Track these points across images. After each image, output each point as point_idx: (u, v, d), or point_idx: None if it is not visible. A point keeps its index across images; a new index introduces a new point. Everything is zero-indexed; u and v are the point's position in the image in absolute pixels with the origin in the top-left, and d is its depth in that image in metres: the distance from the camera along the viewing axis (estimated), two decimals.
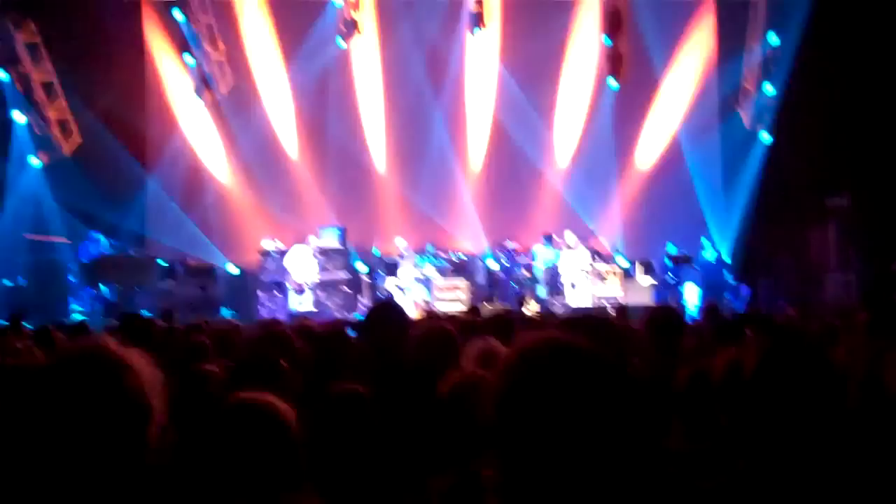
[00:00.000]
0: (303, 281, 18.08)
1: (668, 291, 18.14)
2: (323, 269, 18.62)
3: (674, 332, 5.63)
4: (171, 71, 20.58)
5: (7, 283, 17.69)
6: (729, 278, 18.51)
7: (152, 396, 2.20)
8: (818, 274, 17.94)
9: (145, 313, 17.20)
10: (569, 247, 17.89)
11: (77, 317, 16.00)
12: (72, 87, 19.49)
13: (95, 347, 2.23)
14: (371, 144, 20.83)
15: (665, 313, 5.96)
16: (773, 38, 19.25)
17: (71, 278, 18.03)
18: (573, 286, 17.75)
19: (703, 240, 18.49)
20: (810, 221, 18.26)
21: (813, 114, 18.36)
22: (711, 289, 17.98)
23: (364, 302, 18.35)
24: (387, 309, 5.74)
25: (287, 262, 18.26)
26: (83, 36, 19.22)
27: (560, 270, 17.92)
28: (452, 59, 20.51)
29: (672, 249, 18.50)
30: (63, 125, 19.59)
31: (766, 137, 19.51)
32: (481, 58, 20.48)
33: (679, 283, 18.11)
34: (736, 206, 19.50)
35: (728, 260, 19.37)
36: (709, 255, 18.51)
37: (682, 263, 18.00)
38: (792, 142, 18.73)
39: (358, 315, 16.84)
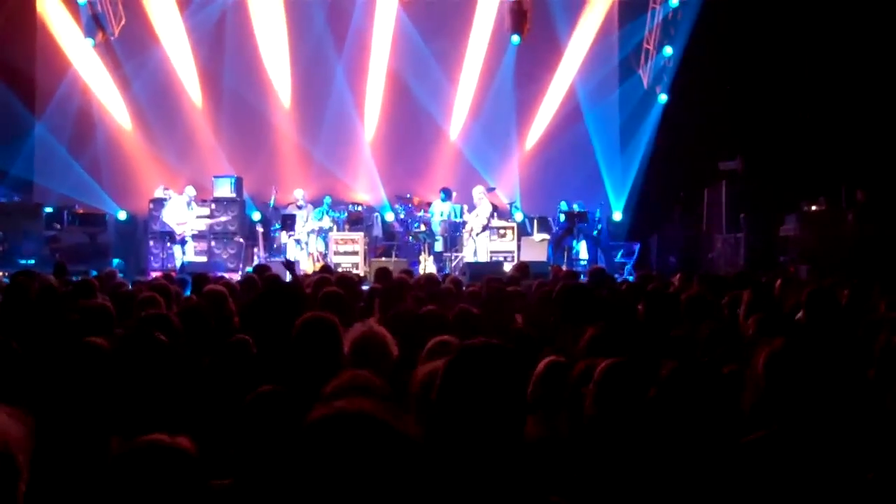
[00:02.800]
0: (181, 231, 17.73)
1: (561, 247, 18.30)
2: (214, 217, 18.33)
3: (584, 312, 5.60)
4: (61, 11, 19.85)
5: None
6: (606, 236, 18.77)
7: (19, 454, 2.13)
8: (708, 234, 18.30)
9: (29, 262, 16.86)
10: (473, 203, 17.83)
11: None
12: None
13: None
14: (270, 94, 20.46)
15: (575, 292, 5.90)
16: (674, 1, 19.38)
17: None
18: (475, 241, 17.71)
19: (576, 204, 18.65)
20: (703, 183, 18.56)
21: (710, 77, 18.67)
22: (599, 245, 18.27)
23: (260, 254, 18.12)
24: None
25: (164, 213, 17.87)
26: None
27: (468, 225, 17.85)
28: (355, 9, 20.22)
29: (565, 206, 18.65)
30: None
31: (663, 98, 19.71)
32: (384, 10, 20.21)
33: (572, 239, 18.26)
34: (632, 165, 19.76)
35: (621, 218, 19.67)
36: (598, 212, 18.71)
37: (575, 220, 18.13)
38: (688, 104, 19.01)
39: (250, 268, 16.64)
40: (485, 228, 17.69)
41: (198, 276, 9.84)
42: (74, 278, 10.90)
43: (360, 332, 4.53)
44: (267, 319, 5.52)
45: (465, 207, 18.39)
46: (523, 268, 11.65)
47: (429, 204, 18.72)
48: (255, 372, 4.76)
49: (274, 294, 6.12)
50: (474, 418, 2.68)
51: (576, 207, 18.42)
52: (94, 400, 4.05)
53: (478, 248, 17.74)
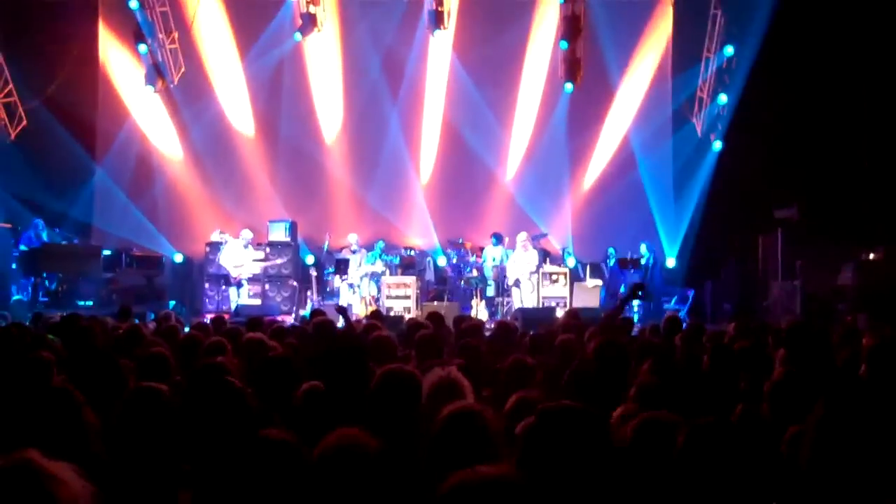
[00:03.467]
0: (237, 274, 17.93)
1: (615, 294, 18.22)
2: (269, 261, 18.52)
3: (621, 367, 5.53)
4: (122, 59, 20.37)
5: None
6: (660, 283, 18.60)
7: None
8: (763, 281, 18.10)
9: (87, 304, 17.14)
10: (523, 247, 17.82)
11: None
12: (20, 72, 19.23)
13: (22, 463, 2.16)
14: (325, 140, 20.72)
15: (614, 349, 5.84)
16: (729, 50, 19.35)
17: (13, 266, 17.74)
18: (517, 286, 17.69)
19: (643, 245, 18.53)
20: (758, 230, 18.40)
21: (765, 125, 18.58)
22: (651, 294, 18.13)
23: (314, 298, 18.25)
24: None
25: (221, 256, 18.11)
26: (34, 20, 19.06)
27: (507, 271, 17.85)
28: (410, 58, 20.46)
29: (613, 252, 18.61)
30: (9, 110, 19.29)
31: (717, 146, 19.62)
32: (439, 58, 20.44)
33: (625, 286, 18.17)
34: (685, 212, 19.63)
35: (675, 264, 19.51)
36: (649, 259, 18.56)
37: (628, 266, 18.05)
38: (743, 151, 18.88)
39: (306, 313, 16.74)
40: (532, 275, 17.70)
41: (253, 320, 9.92)
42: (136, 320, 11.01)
43: (438, 377, 4.52)
44: (328, 368, 5.55)
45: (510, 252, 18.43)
46: (574, 315, 11.56)
47: (481, 249, 18.74)
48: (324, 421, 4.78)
49: (333, 342, 6.16)
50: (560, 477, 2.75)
51: (644, 252, 18.31)
52: (161, 451, 4.07)
53: (525, 294, 17.70)
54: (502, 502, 2.23)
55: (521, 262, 17.76)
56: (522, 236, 17.97)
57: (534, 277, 17.78)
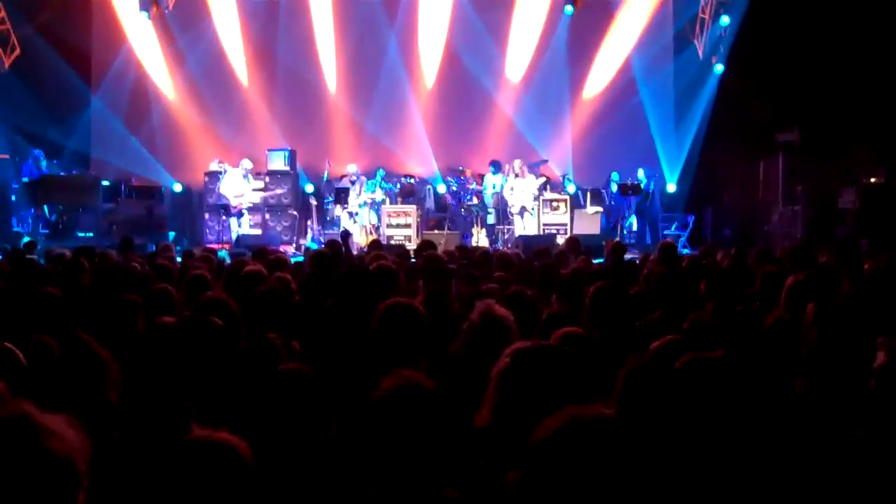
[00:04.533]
0: (237, 203, 17.89)
1: (614, 219, 18.25)
2: (269, 190, 18.47)
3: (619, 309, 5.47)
4: None
5: None
6: (659, 208, 18.60)
7: (80, 463, 2.13)
8: (765, 206, 18.07)
9: (88, 235, 17.14)
10: (517, 174, 17.74)
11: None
12: None
13: (15, 415, 2.14)
14: (323, 67, 20.50)
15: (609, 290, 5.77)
16: None
17: (12, 197, 17.71)
18: (521, 214, 17.69)
19: (641, 170, 18.48)
20: (759, 155, 18.31)
21: (767, 47, 18.33)
22: (650, 218, 18.14)
23: (314, 227, 18.24)
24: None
25: (222, 186, 18.05)
26: None
27: (507, 198, 17.80)
28: None
29: (617, 178, 18.54)
30: (2, 38, 19.04)
31: (719, 69, 19.41)
32: None
33: (626, 212, 18.20)
34: (686, 136, 19.51)
35: (675, 189, 19.46)
36: (649, 185, 18.52)
37: (629, 193, 18.02)
38: (745, 74, 18.69)
39: (312, 243, 16.76)
40: (528, 202, 17.67)
41: (258, 251, 9.91)
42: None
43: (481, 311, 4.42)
44: (334, 296, 5.57)
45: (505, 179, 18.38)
46: (574, 242, 11.57)
47: (481, 176, 18.67)
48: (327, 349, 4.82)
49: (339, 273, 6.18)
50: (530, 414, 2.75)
51: (642, 177, 18.28)
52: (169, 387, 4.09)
53: (527, 222, 17.68)
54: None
55: (519, 188, 17.69)
56: (518, 163, 17.89)
57: (536, 203, 17.74)
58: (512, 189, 17.66)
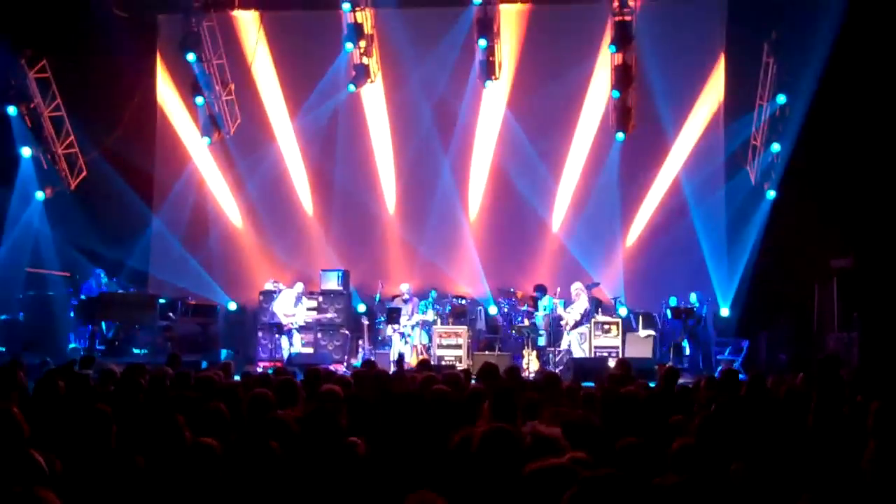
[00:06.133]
0: (287, 323, 18.09)
1: (667, 343, 18.09)
2: (322, 311, 18.64)
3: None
4: (180, 111, 20.84)
5: (5, 317, 17.72)
6: (713, 332, 18.40)
7: None
8: (819, 333, 17.81)
9: (143, 352, 17.37)
10: (571, 299, 17.79)
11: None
12: (81, 124, 19.71)
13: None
14: (378, 190, 20.91)
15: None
16: (782, 98, 19.23)
17: (72, 314, 18.07)
18: (568, 335, 17.64)
19: (694, 294, 18.39)
20: (813, 280, 18.15)
21: (819, 173, 18.35)
22: (703, 342, 17.94)
23: (366, 346, 18.32)
24: None
25: (275, 305, 18.30)
26: (95, 74, 19.58)
27: (562, 314, 17.81)
28: (462, 107, 20.60)
29: (674, 302, 18.42)
30: (70, 161, 19.75)
31: (771, 195, 19.43)
32: (490, 108, 20.58)
33: (678, 336, 18.05)
34: (739, 261, 19.41)
35: (729, 314, 19.28)
36: (702, 308, 18.39)
37: (682, 316, 17.90)
38: (797, 200, 18.68)
39: (357, 363, 16.80)
40: (578, 324, 17.62)
41: (311, 371, 9.94)
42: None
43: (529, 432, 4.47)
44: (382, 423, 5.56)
45: (562, 302, 18.37)
46: (625, 365, 11.49)
47: (532, 298, 18.68)
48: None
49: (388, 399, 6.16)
50: None
51: (694, 301, 18.20)
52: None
53: (572, 344, 17.61)
54: None
55: (574, 310, 17.76)
56: (577, 286, 17.94)
57: (581, 326, 17.69)
58: (570, 311, 17.70)
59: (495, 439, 4.28)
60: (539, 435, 4.30)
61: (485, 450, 4.26)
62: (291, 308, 18.13)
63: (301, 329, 18.34)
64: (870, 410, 5.73)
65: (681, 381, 11.55)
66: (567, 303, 18.21)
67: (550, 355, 17.78)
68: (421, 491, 3.20)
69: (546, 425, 4.65)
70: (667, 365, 12.39)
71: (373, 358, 15.18)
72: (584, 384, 9.54)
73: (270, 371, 12.91)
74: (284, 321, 18.08)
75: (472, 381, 9.93)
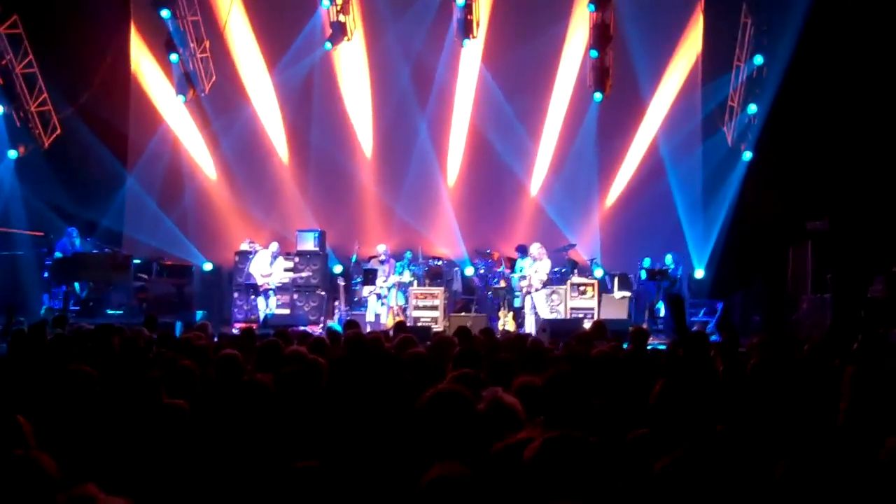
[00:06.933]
0: (263, 283, 18.02)
1: (643, 305, 18.16)
2: (298, 271, 18.57)
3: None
4: (154, 68, 20.57)
5: None
6: (687, 294, 18.45)
7: None
8: (794, 295, 17.93)
9: (117, 312, 17.29)
10: (534, 258, 17.62)
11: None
12: (54, 81, 19.44)
13: (83, 498, 2.25)
14: (354, 149, 20.81)
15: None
16: (759, 59, 19.19)
17: (45, 274, 17.94)
18: (532, 297, 17.58)
19: (669, 256, 18.44)
20: (788, 242, 18.24)
21: (795, 135, 18.41)
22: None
23: (342, 308, 18.30)
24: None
25: (251, 266, 18.21)
26: (68, 30, 19.28)
27: (519, 282, 17.73)
28: (439, 66, 20.48)
29: (647, 263, 18.48)
30: (44, 118, 19.51)
31: (747, 156, 19.47)
32: (468, 67, 20.46)
33: (654, 297, 18.13)
34: (715, 222, 19.48)
35: (703, 275, 19.38)
36: (676, 270, 18.45)
37: (656, 278, 17.97)
38: (774, 162, 18.75)
39: (335, 325, 16.76)
40: (544, 285, 17.58)
41: (280, 332, 9.94)
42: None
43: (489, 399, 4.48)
44: (358, 381, 5.57)
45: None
46: (600, 327, 11.52)
47: (509, 259, 18.68)
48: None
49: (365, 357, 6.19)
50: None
51: (669, 262, 18.23)
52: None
53: (536, 305, 17.53)
54: None
55: (530, 271, 17.59)
56: (536, 246, 17.79)
57: (546, 287, 17.63)
58: (536, 271, 17.55)
59: (441, 401, 4.29)
60: (499, 402, 4.33)
61: (430, 411, 4.28)
62: (267, 268, 18.06)
63: (277, 290, 18.28)
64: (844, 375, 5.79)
65: (656, 342, 11.65)
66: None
67: (526, 316, 17.79)
68: (448, 462, 3.22)
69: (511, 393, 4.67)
70: (638, 326, 12.45)
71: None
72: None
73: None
74: (260, 281, 18.01)
75: None
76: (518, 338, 10.18)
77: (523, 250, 18.10)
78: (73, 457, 3.94)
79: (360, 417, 5.07)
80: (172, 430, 4.77)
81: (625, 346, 10.15)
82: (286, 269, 18.41)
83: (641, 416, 4.91)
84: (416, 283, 18.46)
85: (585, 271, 18.95)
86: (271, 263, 18.14)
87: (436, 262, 19.47)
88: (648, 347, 10.08)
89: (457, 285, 19.48)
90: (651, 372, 7.48)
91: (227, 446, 4.55)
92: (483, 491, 3.10)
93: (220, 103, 20.53)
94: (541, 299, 17.50)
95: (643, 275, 18.35)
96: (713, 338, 15.82)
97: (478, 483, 3.10)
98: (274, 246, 18.30)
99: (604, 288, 18.38)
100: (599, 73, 19.60)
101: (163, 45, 19.83)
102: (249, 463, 4.28)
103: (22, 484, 2.83)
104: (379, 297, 18.12)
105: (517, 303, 17.95)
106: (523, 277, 17.67)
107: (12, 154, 19.15)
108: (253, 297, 18.30)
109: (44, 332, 9.33)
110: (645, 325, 15.68)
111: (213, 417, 5.09)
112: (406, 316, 17.43)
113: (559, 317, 17.33)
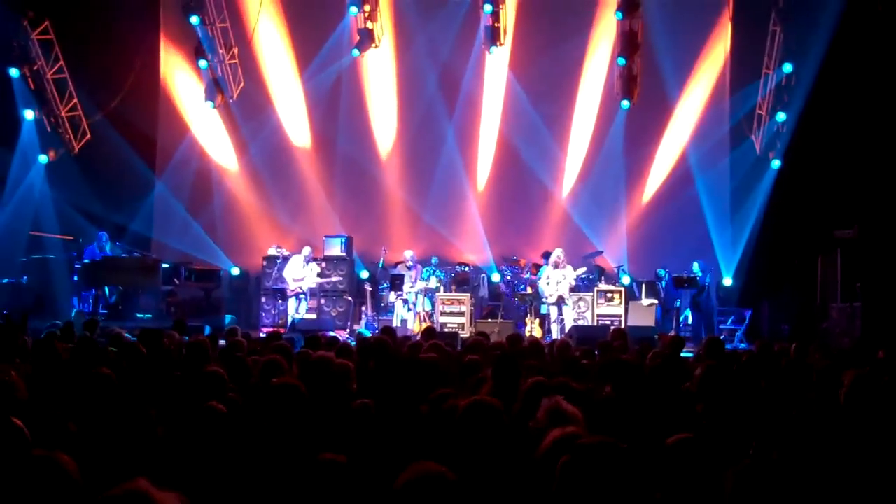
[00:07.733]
0: (296, 287, 18.07)
1: (670, 312, 18.08)
2: (325, 276, 18.61)
3: None
4: (183, 74, 20.71)
5: (8, 280, 17.72)
6: (715, 302, 18.34)
7: None
8: (822, 303, 17.81)
9: (146, 316, 17.40)
10: (556, 265, 17.55)
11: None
12: (84, 86, 19.62)
13: (134, 493, 2.28)
14: (382, 155, 20.86)
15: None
16: (788, 67, 19.09)
17: (75, 278, 18.08)
18: (558, 305, 17.49)
19: (696, 263, 18.33)
20: (817, 251, 18.12)
21: (824, 144, 18.29)
22: (705, 312, 17.90)
23: (368, 313, 18.34)
24: None
25: (285, 271, 18.27)
26: (99, 36, 19.45)
27: (543, 288, 17.62)
28: (466, 73, 20.51)
29: (663, 273, 18.41)
30: (74, 123, 19.68)
31: (776, 164, 19.37)
32: (495, 74, 20.48)
33: (681, 305, 18.05)
34: (743, 230, 19.38)
35: (731, 283, 19.28)
36: (704, 278, 18.35)
37: (684, 285, 17.89)
38: (803, 170, 18.64)
39: (363, 330, 16.77)
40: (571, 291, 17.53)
41: (310, 338, 9.98)
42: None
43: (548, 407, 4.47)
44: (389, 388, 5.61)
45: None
46: (621, 335, 11.48)
47: (535, 266, 18.67)
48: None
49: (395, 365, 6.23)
50: None
51: (697, 270, 18.12)
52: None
53: (563, 312, 17.46)
54: None
55: (555, 278, 17.47)
56: (557, 252, 17.70)
57: (569, 294, 17.56)
58: (548, 279, 17.48)
59: (475, 411, 4.30)
60: (559, 410, 4.32)
61: (465, 420, 4.28)
62: (300, 271, 18.11)
63: (305, 295, 18.33)
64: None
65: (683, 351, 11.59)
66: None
67: (553, 324, 17.75)
68: (423, 461, 3.22)
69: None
70: (671, 335, 12.40)
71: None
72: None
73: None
74: (293, 286, 18.05)
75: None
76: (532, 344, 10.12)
77: (549, 256, 18.10)
78: (118, 454, 4.00)
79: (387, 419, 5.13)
80: (219, 428, 4.84)
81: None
82: (319, 274, 18.46)
83: (680, 423, 4.93)
84: (442, 288, 18.48)
85: (612, 278, 18.91)
86: (304, 265, 18.21)
87: (462, 269, 19.49)
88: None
89: (483, 291, 19.49)
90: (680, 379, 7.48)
91: (264, 445, 4.61)
92: (463, 492, 3.10)
93: (248, 109, 20.64)
94: (567, 307, 17.51)
95: (666, 282, 18.29)
96: (742, 345, 15.83)
97: (457, 484, 3.10)
98: (306, 250, 18.38)
99: (631, 295, 18.34)
100: (627, 81, 19.54)
101: (192, 51, 19.93)
102: (282, 458, 4.33)
103: (42, 484, 2.84)
104: (405, 302, 18.15)
105: (543, 309, 17.93)
106: (549, 284, 17.55)
107: (43, 159, 19.33)
108: (281, 301, 18.36)
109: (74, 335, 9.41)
110: (673, 333, 15.63)
111: (255, 418, 5.16)
112: (433, 322, 17.44)
113: (585, 323, 17.30)
